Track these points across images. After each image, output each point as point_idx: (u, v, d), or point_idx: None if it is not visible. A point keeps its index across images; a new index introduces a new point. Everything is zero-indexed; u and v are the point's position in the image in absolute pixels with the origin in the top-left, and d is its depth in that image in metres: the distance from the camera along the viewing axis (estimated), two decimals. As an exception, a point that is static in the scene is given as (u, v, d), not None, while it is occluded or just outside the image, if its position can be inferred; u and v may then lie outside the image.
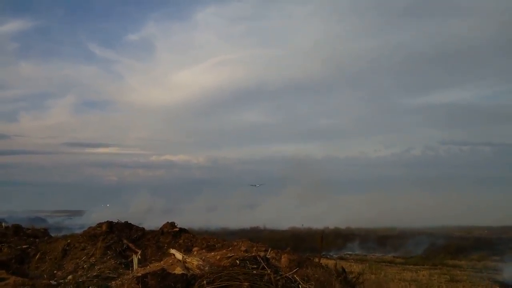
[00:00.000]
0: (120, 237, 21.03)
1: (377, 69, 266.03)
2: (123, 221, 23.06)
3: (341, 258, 46.62)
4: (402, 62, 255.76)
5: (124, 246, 20.29)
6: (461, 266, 42.70)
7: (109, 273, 16.16)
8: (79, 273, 16.89)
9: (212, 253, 15.19)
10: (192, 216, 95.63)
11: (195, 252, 17.20)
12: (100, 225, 22.31)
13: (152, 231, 23.09)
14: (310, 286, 11.46)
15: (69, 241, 20.85)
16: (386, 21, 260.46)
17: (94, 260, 18.32)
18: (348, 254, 56.04)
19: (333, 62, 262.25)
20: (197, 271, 11.83)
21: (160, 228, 22.89)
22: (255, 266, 11.58)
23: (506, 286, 28.60)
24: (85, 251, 19.58)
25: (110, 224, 22.10)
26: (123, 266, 17.58)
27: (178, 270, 11.59)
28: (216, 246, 20.85)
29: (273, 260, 15.57)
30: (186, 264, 12.49)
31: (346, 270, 18.61)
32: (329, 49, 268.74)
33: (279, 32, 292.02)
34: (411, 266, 42.48)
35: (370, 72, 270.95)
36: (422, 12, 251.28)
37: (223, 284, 10.14)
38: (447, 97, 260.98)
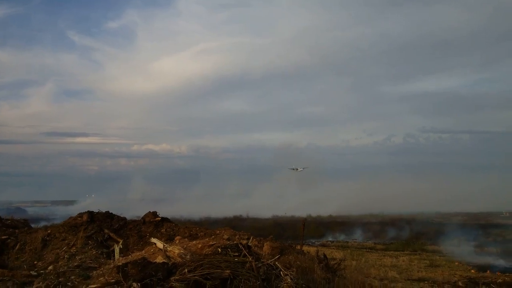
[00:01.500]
0: (101, 227, 20.86)
1: (361, 57, 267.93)
2: (104, 211, 22.86)
3: (323, 245, 47.11)
4: (386, 51, 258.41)
5: (106, 236, 20.16)
6: (440, 251, 43.54)
7: (90, 263, 16.08)
8: (59, 263, 16.73)
9: (194, 242, 15.23)
10: (175, 205, 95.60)
11: (177, 241, 17.21)
12: (80, 215, 22.06)
13: (134, 221, 22.94)
14: (291, 272, 11.57)
15: (49, 231, 20.58)
16: (371, 9, 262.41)
17: (75, 250, 18.16)
18: (330, 241, 56.65)
19: (318, 51, 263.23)
20: (179, 259, 11.84)
21: (142, 218, 22.77)
22: (236, 254, 11.65)
23: (483, 269, 29.30)
24: (66, 241, 19.38)
25: (91, 214, 21.87)
26: (104, 256, 17.50)
27: (159, 259, 11.59)
28: (199, 235, 20.87)
29: (256, 248, 15.69)
30: (167, 253, 12.50)
31: (327, 256, 18.82)
32: (313, 37, 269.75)
33: (263, 20, 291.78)
34: (391, 252, 43.16)
35: (355, 60, 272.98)
36: (406, 1, 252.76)
37: (205, 272, 10.17)
38: (429, 85, 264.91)
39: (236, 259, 11.11)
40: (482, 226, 64.01)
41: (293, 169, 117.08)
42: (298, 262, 15.05)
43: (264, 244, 17.37)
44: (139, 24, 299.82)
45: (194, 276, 10.04)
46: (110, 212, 23.08)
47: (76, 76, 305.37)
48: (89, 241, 19.11)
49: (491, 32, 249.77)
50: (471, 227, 64.90)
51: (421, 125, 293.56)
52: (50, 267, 16.14)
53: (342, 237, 62.24)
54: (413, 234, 59.83)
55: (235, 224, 52.23)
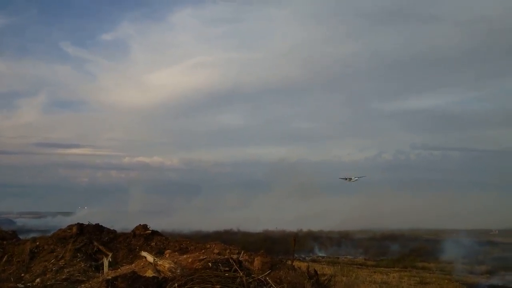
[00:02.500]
0: (90, 239, 20.62)
1: (353, 74, 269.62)
2: (94, 223, 22.65)
3: (314, 261, 46.93)
4: (378, 67, 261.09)
5: (95, 249, 19.92)
6: (430, 268, 43.54)
7: (79, 276, 15.89)
8: (47, 276, 16.53)
9: (185, 256, 15.12)
10: (166, 219, 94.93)
11: (167, 255, 17.06)
12: (70, 227, 21.85)
13: (124, 234, 22.71)
14: (282, 288, 11.53)
15: (37, 243, 20.34)
16: (363, 26, 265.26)
17: (63, 263, 17.93)
18: (321, 256, 56.48)
19: (310, 66, 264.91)
20: (169, 274, 11.75)
21: (132, 231, 22.55)
22: (227, 269, 11.59)
23: (473, 287, 29.33)
24: (54, 253, 19.15)
25: (80, 226, 21.65)
26: (93, 269, 17.30)
27: (149, 273, 11.50)
28: (189, 248, 20.69)
29: (246, 263, 15.59)
30: (158, 267, 12.40)
31: (318, 272, 18.74)
32: (306, 52, 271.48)
33: (256, 35, 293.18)
34: (382, 268, 43.09)
35: (346, 76, 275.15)
36: (399, 19, 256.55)
37: (195, 287, 10.10)
38: (420, 103, 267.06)
39: (227, 274, 11.06)
40: (472, 243, 64.11)
41: (346, 178, 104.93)
42: (288, 278, 14.97)
43: (255, 259, 17.25)
44: (134, 37, 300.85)
45: (184, 290, 9.97)
46: (100, 224, 22.88)
47: (69, 87, 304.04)
48: (78, 254, 18.87)
49: (482, 51, 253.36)
50: (461, 244, 65.04)
51: (412, 141, 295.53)
52: (38, 280, 15.95)
53: (332, 252, 62.08)
54: (403, 251, 59.81)
55: (226, 238, 51.96)
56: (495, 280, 33.92)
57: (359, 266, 44.20)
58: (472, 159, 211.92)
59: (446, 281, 33.70)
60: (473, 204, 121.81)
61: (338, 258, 54.63)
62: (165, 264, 12.50)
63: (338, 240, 70.08)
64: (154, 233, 22.51)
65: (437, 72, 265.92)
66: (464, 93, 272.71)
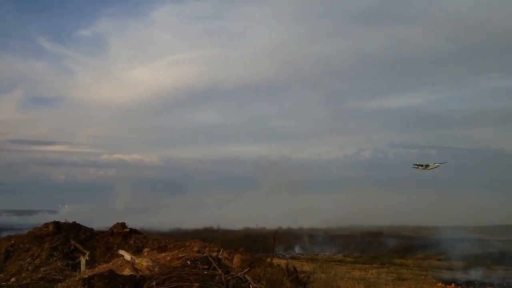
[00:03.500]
0: (67, 237, 20.31)
1: (332, 73, 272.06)
2: (70, 221, 22.32)
3: (293, 258, 47.18)
4: (356, 67, 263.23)
5: (72, 247, 19.64)
6: (407, 265, 44.20)
7: (55, 275, 15.62)
8: (23, 275, 16.21)
9: (163, 254, 14.99)
10: (144, 216, 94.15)
11: (145, 253, 16.91)
12: (46, 225, 21.49)
13: (101, 232, 22.45)
14: (261, 285, 11.54)
15: (12, 241, 19.96)
16: (342, 26, 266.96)
17: (39, 262, 17.62)
18: (300, 253, 56.76)
19: (290, 65, 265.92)
20: (147, 272, 11.64)
21: (110, 229, 22.29)
22: (206, 267, 11.53)
23: (448, 282, 29.88)
24: (30, 252, 18.81)
25: (57, 224, 21.31)
26: (70, 267, 17.02)
27: (127, 271, 11.38)
28: (168, 246, 20.56)
29: (226, 261, 15.57)
30: (135, 265, 12.27)
31: (297, 269, 18.84)
32: (286, 51, 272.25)
33: (237, 33, 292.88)
34: (360, 265, 43.55)
35: (325, 75, 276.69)
36: (378, 19, 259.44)
37: (173, 285, 10.03)
38: (398, 102, 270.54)
39: (206, 272, 11.01)
40: (448, 240, 65.28)
41: (419, 165, 78.46)
42: (268, 275, 15.00)
43: (234, 257, 17.25)
44: (112, 33, 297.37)
45: (162, 289, 9.89)
46: (76, 222, 22.56)
47: (46, 83, 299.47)
48: (55, 253, 18.58)
49: (458, 51, 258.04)
50: (437, 241, 66.21)
51: (390, 140, 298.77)
52: (13, 279, 15.62)
53: (312, 249, 62.47)
54: (382, 248, 60.55)
55: (206, 236, 51.75)
56: (471, 276, 34.60)
57: (338, 263, 44.66)
58: (448, 157, 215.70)
59: (423, 277, 34.25)
60: (449, 201, 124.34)
61: (317, 255, 55.00)
62: (143, 262, 12.38)
63: (318, 237, 70.47)
64: (132, 231, 22.30)
65: (415, 71, 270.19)
66: (441, 92, 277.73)
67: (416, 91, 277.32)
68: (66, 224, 21.78)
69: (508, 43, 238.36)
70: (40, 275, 15.59)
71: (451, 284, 28.68)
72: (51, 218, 23.18)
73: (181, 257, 12.85)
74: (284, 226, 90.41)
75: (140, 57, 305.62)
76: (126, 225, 22.36)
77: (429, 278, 33.28)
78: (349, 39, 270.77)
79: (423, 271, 38.40)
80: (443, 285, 29.05)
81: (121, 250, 16.36)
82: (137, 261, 12.72)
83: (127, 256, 13.61)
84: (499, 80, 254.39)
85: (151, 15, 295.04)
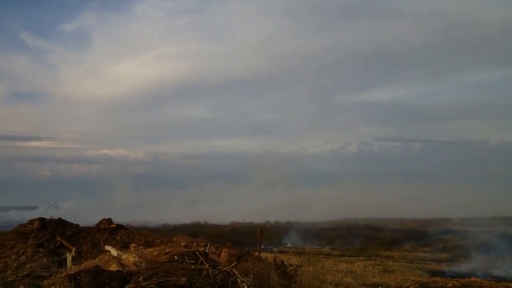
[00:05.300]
0: (53, 234, 20.18)
1: (317, 67, 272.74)
2: (56, 218, 22.15)
3: (281, 252, 47.32)
4: (341, 61, 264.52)
5: (58, 244, 19.51)
6: (393, 257, 44.66)
7: (41, 271, 15.50)
8: (7, 272, 16.06)
9: (150, 249, 14.96)
10: (131, 212, 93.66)
11: (132, 249, 16.86)
12: (31, 221, 21.30)
13: (87, 228, 22.33)
14: (248, 279, 11.57)
15: (-3, 239, 19.78)
16: (326, 20, 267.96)
17: (24, 259, 17.47)
18: (288, 247, 57.01)
19: (276, 59, 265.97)
20: (133, 267, 11.61)
21: (96, 225, 22.18)
22: (193, 262, 11.54)
23: (434, 274, 30.28)
24: (15, 249, 18.64)
25: (42, 220, 21.14)
26: (56, 264, 16.92)
27: (114, 267, 11.33)
28: (155, 242, 20.51)
29: (213, 255, 15.58)
30: (122, 261, 12.23)
31: (285, 262, 18.91)
32: (272, 46, 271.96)
33: (222, 27, 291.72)
34: (347, 258, 43.86)
35: (311, 70, 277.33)
36: (361, 13, 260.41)
37: (160, 280, 10.01)
38: (382, 95, 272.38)
39: (193, 267, 11.01)
40: (434, 232, 66.13)
41: None
42: (255, 269, 15.04)
43: (222, 251, 17.27)
44: (96, 27, 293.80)
45: (149, 284, 9.87)
46: (62, 218, 22.40)
47: (28, 78, 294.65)
48: (40, 249, 18.44)
49: (441, 45, 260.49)
50: (423, 233, 67.03)
51: (375, 133, 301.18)
52: (-3, 277, 15.46)
53: (299, 243, 62.75)
54: (367, 240, 61.08)
55: (193, 231, 51.63)
56: (456, 268, 35.10)
57: (325, 256, 44.85)
58: (433, 150, 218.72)
59: (409, 269, 34.64)
60: (434, 193, 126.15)
61: (305, 248, 55.24)
62: (130, 258, 12.34)
63: (305, 230, 70.79)
64: (119, 227, 22.23)
65: (398, 65, 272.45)
66: (424, 86, 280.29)
67: (401, 85, 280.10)
68: (51, 220, 21.62)
69: (490, 38, 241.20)
70: (25, 272, 15.47)
71: (437, 276, 29.08)
72: (36, 214, 23.00)
73: (168, 252, 12.83)
74: (272, 220, 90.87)
75: (124, 51, 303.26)
76: (113, 220, 22.27)
77: (415, 270, 33.69)
78: (332, 34, 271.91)
79: (409, 263, 38.82)
80: (429, 276, 29.43)
81: (108, 246, 16.27)
82: (123, 256, 12.67)
83: (114, 252, 13.54)
84: (479, 74, 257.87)
85: (134, 8, 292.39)
